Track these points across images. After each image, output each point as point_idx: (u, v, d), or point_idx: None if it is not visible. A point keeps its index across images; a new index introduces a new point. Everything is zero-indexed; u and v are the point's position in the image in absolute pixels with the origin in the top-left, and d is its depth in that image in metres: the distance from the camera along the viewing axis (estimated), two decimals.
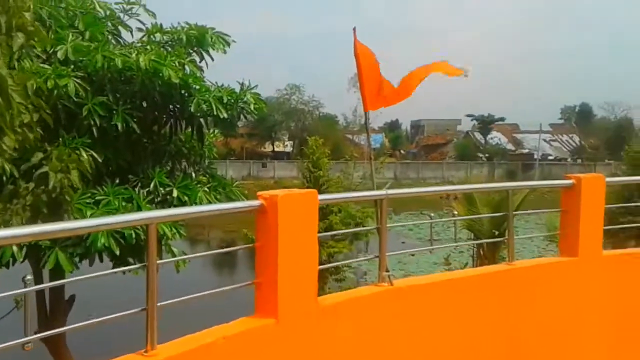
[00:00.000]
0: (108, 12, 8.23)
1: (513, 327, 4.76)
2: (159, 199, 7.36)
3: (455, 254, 20.93)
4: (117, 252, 6.39)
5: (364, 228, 6.46)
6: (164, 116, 7.98)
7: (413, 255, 21.36)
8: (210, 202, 7.53)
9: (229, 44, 8.09)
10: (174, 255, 7.29)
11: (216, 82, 8.05)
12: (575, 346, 5.10)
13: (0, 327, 6.47)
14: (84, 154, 6.51)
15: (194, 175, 8.32)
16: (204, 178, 8.31)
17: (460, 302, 4.49)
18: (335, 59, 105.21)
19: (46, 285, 8.04)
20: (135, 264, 7.24)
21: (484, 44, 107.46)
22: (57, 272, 6.54)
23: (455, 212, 13.43)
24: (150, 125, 7.99)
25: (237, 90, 7.83)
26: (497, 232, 12.98)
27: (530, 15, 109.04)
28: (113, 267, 7.30)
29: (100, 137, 6.93)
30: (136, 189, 7.25)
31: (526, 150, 68.77)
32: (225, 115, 7.46)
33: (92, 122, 6.81)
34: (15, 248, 6.23)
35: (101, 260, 6.92)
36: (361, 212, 15.47)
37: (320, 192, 3.88)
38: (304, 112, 65.80)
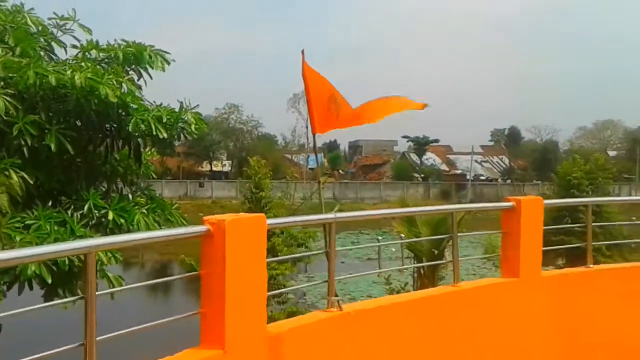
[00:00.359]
0: (40, 28, 7.87)
1: (459, 348, 4.79)
2: (93, 221, 7.02)
3: (395, 273, 21.19)
4: (49, 280, 6.02)
5: (314, 252, 6.37)
6: (100, 135, 7.66)
7: (351, 274, 21.43)
8: (148, 225, 7.25)
9: (168, 62, 7.90)
10: (109, 281, 6.96)
11: (154, 101, 7.84)
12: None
13: None
14: (13, 175, 6.14)
15: (130, 196, 8.00)
16: (142, 199, 8.01)
17: (409, 325, 4.48)
18: (276, 78, 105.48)
19: None
20: (65, 292, 6.86)
21: (425, 66, 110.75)
22: None
23: (396, 232, 13.61)
24: (85, 145, 7.65)
25: (177, 109, 7.64)
26: (436, 252, 13.23)
27: (462, 44, 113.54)
28: (44, 295, 6.89)
29: (31, 158, 6.56)
30: (69, 212, 6.89)
31: (459, 171, 71.02)
32: (165, 136, 7.24)
33: (23, 142, 6.43)
34: None
35: (31, 288, 6.51)
36: (303, 232, 15.42)
37: (262, 213, 3.79)
38: (242, 132, 65.43)
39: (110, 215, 6.98)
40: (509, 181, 67.57)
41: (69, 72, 6.76)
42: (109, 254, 6.64)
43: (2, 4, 7.94)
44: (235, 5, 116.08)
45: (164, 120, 7.27)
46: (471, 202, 51.79)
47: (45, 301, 6.86)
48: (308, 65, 4.34)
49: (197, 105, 7.72)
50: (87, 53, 7.93)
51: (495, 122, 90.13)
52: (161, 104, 7.74)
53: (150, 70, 7.92)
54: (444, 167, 72.36)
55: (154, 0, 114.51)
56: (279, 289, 12.54)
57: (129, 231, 7.05)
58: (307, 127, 65.04)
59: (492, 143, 78.75)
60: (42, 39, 7.81)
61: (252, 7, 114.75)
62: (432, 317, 4.65)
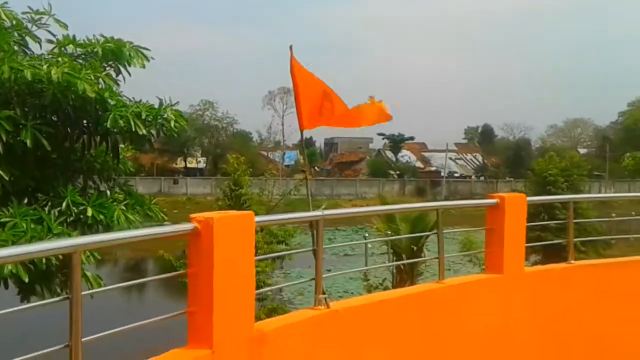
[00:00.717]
0: (14, 22, 7.65)
1: (445, 344, 4.81)
2: (71, 218, 6.86)
3: (373, 268, 21.29)
4: (26, 279, 5.86)
5: (300, 250, 6.32)
6: (77, 131, 7.48)
7: (329, 270, 21.45)
8: (129, 221, 7.12)
9: (148, 59, 7.74)
10: (87, 280, 6.81)
11: (133, 98, 7.68)
12: (500, 355, 5.24)
13: None
14: None
15: (109, 192, 7.85)
16: (120, 195, 7.87)
17: (396, 322, 4.48)
18: (252, 76, 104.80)
19: None
20: (43, 291, 6.70)
21: (399, 63, 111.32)
22: None
23: (375, 228, 13.64)
24: (61, 141, 7.47)
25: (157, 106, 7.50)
26: (415, 248, 13.30)
27: (440, 40, 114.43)
28: (19, 294, 6.72)
29: (6, 154, 6.36)
30: (46, 209, 6.72)
31: (434, 168, 71.64)
32: (144, 132, 7.10)
33: None
34: None
35: (6, 287, 6.33)
36: (282, 230, 15.37)
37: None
38: (217, 129, 64.90)
39: (89, 212, 6.83)
40: (482, 178, 68.38)
41: (45, 66, 6.58)
42: (87, 253, 6.49)
43: None
44: (209, 4, 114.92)
45: (143, 117, 7.12)
46: (445, 198, 52.28)
47: (21, 300, 6.70)
48: (297, 61, 4.28)
49: (177, 102, 7.60)
50: (63, 48, 7.74)
51: (468, 120, 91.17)
52: (140, 101, 7.60)
53: (128, 67, 7.77)
54: (419, 164, 72.88)
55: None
56: (259, 286, 12.49)
57: (108, 227, 6.93)
58: (282, 125, 64.96)
59: (465, 141, 79.63)
60: (16, 34, 7.58)
61: (226, 6, 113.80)
62: (418, 313, 4.66)
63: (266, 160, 62.47)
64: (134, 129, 6.99)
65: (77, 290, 2.81)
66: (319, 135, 78.66)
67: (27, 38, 7.80)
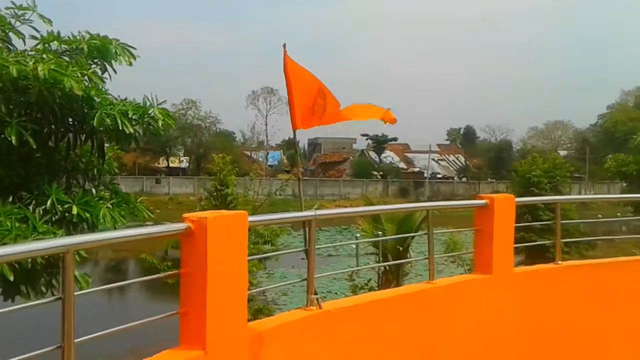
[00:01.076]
0: None
1: (436, 344, 4.83)
2: (56, 217, 6.76)
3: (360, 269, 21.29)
4: (11, 278, 5.75)
5: (293, 250, 6.29)
6: (62, 130, 7.37)
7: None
8: (115, 219, 7.04)
9: (134, 57, 7.66)
10: (76, 280, 6.71)
11: (119, 96, 7.60)
12: (489, 356, 5.27)
13: None
14: None
15: (94, 191, 7.76)
16: (106, 194, 7.78)
17: (387, 322, 4.48)
18: (235, 75, 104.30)
19: None
20: (28, 290, 6.60)
21: (383, 64, 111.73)
22: None
23: (360, 229, 13.64)
24: (46, 139, 7.36)
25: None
26: (401, 248, 13.33)
27: (423, 41, 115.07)
28: (3, 294, 6.61)
29: None
30: (30, 207, 6.61)
31: (417, 169, 72.01)
32: (131, 131, 7.02)
33: None
34: None
35: None
36: (269, 230, 15.31)
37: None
38: (200, 128, 64.54)
39: (75, 210, 6.74)
40: (464, 179, 68.90)
41: (30, 63, 6.47)
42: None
43: None
44: (192, 3, 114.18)
45: (130, 115, 7.04)
46: (428, 199, 52.58)
47: (5, 300, 6.60)
48: (291, 59, 4.24)
49: (165, 100, 7.52)
50: (47, 45, 7.62)
51: (451, 122, 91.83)
52: (125, 99, 7.51)
53: (114, 64, 7.67)
54: (402, 165, 73.21)
55: None
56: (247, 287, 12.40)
57: (93, 226, 6.84)
58: (265, 125, 64.76)
59: (448, 142, 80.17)
60: None
61: (210, 5, 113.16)
62: (410, 313, 4.66)
63: (249, 160, 62.29)
64: (120, 128, 6.90)
65: (70, 291, 2.76)
66: (303, 135, 78.62)
67: (11, 34, 7.67)
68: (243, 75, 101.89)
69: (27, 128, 6.59)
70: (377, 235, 12.74)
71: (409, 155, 75.93)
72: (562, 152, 66.68)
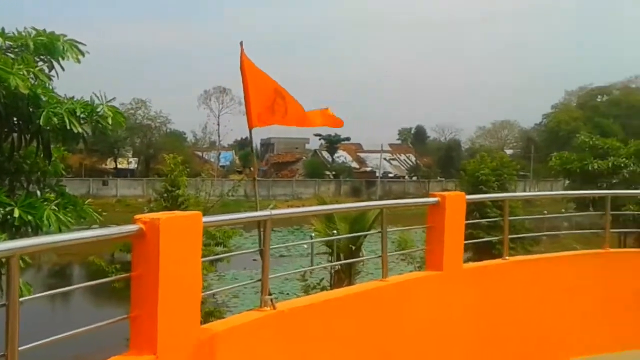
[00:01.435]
0: None
1: (390, 341, 4.88)
2: None
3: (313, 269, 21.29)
4: None
5: (247, 251, 6.19)
6: (6, 130, 7.08)
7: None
8: (59, 221, 6.81)
9: (83, 53, 7.42)
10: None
11: (65, 94, 7.35)
12: (442, 354, 5.38)
13: None
14: None
15: (39, 193, 7.49)
16: (52, 196, 7.52)
17: (341, 321, 4.51)
18: (188, 74, 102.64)
19: None
20: None
21: (336, 64, 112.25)
22: None
23: (313, 229, 13.66)
24: None
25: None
26: (354, 247, 13.43)
27: (377, 41, 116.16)
28: None
29: None
30: None
31: (369, 168, 72.74)
32: (79, 130, 6.81)
33: None
34: None
35: None
36: (221, 232, 15.11)
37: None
38: (150, 128, 63.20)
39: (16, 213, 6.48)
40: (415, 178, 70.04)
41: None
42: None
43: None
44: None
45: (78, 114, 6.83)
46: (380, 198, 53.16)
47: None
48: (247, 57, 4.21)
49: (114, 98, 7.33)
50: None
51: (403, 121, 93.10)
52: (73, 97, 7.28)
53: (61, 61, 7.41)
54: (355, 164, 73.79)
55: None
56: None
57: (37, 229, 6.61)
58: (218, 125, 64.07)
59: (400, 142, 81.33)
60: None
61: (161, 2, 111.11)
62: (363, 311, 4.70)
63: (201, 161, 61.43)
64: (68, 127, 6.69)
65: (15, 297, 2.66)
66: (255, 135, 77.59)
67: None
68: (195, 74, 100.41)
69: None
70: (332, 235, 12.78)
71: (362, 154, 76.63)
72: (509, 151, 68.62)
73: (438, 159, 70.90)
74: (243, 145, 77.47)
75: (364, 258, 12.97)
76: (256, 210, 4.58)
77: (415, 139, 79.97)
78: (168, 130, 65.32)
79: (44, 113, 6.50)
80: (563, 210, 23.68)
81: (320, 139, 73.81)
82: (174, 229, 3.26)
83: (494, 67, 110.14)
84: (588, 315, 6.57)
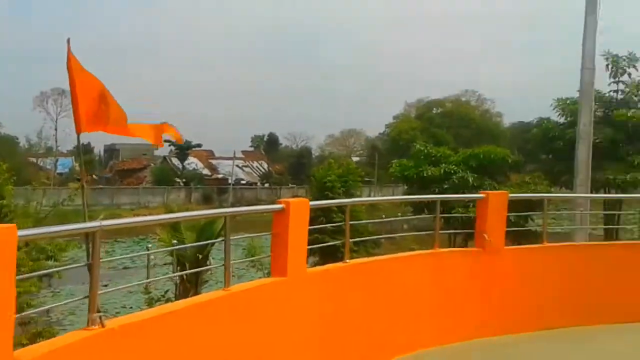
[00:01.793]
0: None
1: (235, 351, 4.76)
2: None
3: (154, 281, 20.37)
4: None
5: (72, 266, 5.61)
6: None
7: (106, 285, 19.99)
8: None
9: None
10: None
11: None
12: (288, 358, 5.38)
13: None
14: None
15: None
16: None
17: (182, 334, 4.29)
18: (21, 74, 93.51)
19: None
20: None
21: (187, 72, 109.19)
22: None
23: (159, 239, 13.09)
24: None
25: None
26: (200, 256, 13.07)
27: (227, 49, 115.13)
28: None
29: None
30: None
31: (221, 175, 71.90)
32: None
33: None
34: None
35: None
36: (53, 244, 13.84)
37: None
38: None
39: None
40: (267, 185, 70.59)
41: None
42: None
43: None
44: None
45: None
46: (232, 205, 52.75)
47: None
48: (74, 57, 3.83)
49: None
50: None
51: (256, 129, 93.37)
52: None
53: None
54: (206, 171, 72.51)
55: None
56: (22, 309, 11.08)
57: None
58: (55, 129, 59.35)
59: (252, 149, 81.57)
60: None
61: None
62: (206, 323, 4.53)
63: (36, 168, 56.42)
64: None
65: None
66: (98, 141, 73.49)
67: None
68: (30, 74, 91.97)
69: None
70: (174, 245, 12.29)
71: (214, 161, 75.52)
72: (356, 158, 71.87)
73: (290, 166, 72.19)
74: (85, 151, 72.51)
75: (206, 267, 12.67)
76: (85, 220, 4.21)
77: (267, 146, 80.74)
78: None
79: None
80: (399, 214, 25.25)
81: (170, 145, 71.46)
82: None
83: (341, 77, 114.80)
84: (421, 311, 6.99)
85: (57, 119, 59.19)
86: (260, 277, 11.42)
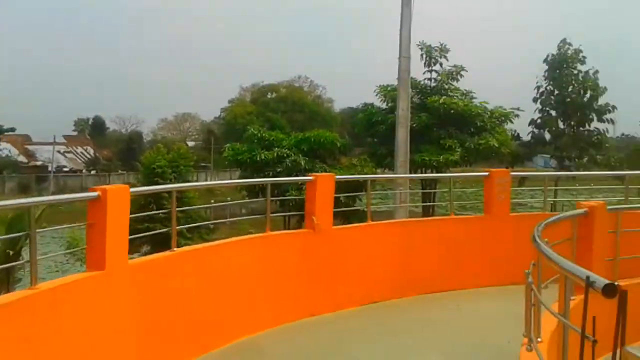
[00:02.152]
0: None
1: (47, 353, 4.31)
2: None
3: None
4: None
5: None
6: None
7: None
8: None
9: None
10: None
11: None
12: (110, 355, 5.02)
13: None
14: None
15: None
16: None
17: None
18: None
19: None
20: None
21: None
22: None
23: None
24: None
25: None
26: (12, 252, 11.76)
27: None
28: None
29: None
30: None
31: (40, 162, 65.70)
32: None
33: None
34: None
35: None
36: None
37: None
38: None
39: None
40: (94, 172, 66.06)
41: None
42: None
43: None
44: None
45: None
46: (53, 194, 48.57)
47: None
48: None
49: None
50: None
51: (79, 112, 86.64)
52: None
53: None
54: (22, 158, 65.75)
55: None
56: None
57: None
58: None
59: (76, 133, 75.68)
60: None
61: None
62: (10, 326, 4.03)
63: None
64: None
65: None
66: None
67: None
68: None
69: None
70: None
71: (30, 147, 68.66)
72: (191, 143, 70.15)
73: (119, 151, 68.26)
74: None
75: (8, 265, 11.44)
76: None
77: (93, 130, 75.44)
78: None
79: None
80: (229, 198, 25.14)
81: None
82: None
83: (171, 61, 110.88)
84: (255, 295, 6.97)
85: None
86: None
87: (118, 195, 5.18)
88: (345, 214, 16.91)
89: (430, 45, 27.23)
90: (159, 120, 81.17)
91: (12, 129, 65.16)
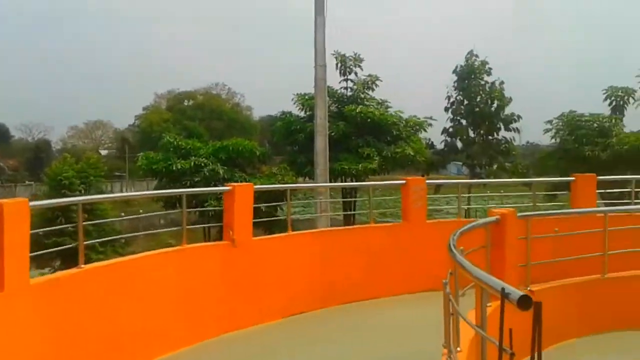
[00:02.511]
0: None
1: None
2: None
3: None
4: None
5: None
6: None
7: None
8: None
9: None
10: None
11: None
12: None
13: None
14: None
15: None
16: None
17: None
18: None
19: None
20: None
21: None
22: None
23: None
24: None
25: None
26: None
27: None
28: None
29: None
30: None
31: None
32: None
33: None
34: None
35: None
36: None
37: None
38: None
39: None
40: None
41: None
42: None
43: None
44: None
45: None
46: None
47: None
48: None
49: None
50: None
51: None
52: None
53: None
54: None
55: None
56: None
57: None
58: None
59: None
60: None
61: None
62: None
63: None
64: None
65: None
66: None
67: None
68: None
69: None
70: None
71: None
72: (104, 152, 67.38)
73: (25, 161, 64.47)
74: None
75: None
76: None
77: None
78: None
79: None
80: (140, 210, 24.17)
81: None
82: None
83: (80, 66, 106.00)
84: (172, 311, 6.69)
85: None
86: None
87: (16, 211, 4.79)
88: (267, 224, 16.72)
89: (344, 55, 27.63)
90: (69, 128, 77.48)
91: None
